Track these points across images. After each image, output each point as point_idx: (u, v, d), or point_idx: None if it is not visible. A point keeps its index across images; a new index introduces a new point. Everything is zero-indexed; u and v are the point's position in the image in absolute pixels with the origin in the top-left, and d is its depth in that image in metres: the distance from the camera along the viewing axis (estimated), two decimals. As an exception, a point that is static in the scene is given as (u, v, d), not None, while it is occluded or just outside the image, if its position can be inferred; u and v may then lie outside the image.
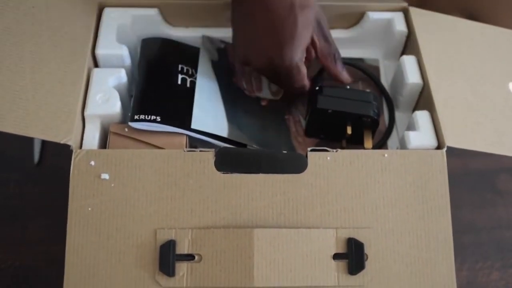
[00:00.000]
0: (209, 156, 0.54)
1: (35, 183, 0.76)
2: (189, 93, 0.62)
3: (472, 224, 0.76)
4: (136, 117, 0.58)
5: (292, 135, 0.65)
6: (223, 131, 0.61)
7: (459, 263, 0.72)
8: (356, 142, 0.62)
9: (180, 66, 0.64)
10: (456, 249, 0.53)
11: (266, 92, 0.67)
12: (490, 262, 0.73)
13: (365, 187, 0.54)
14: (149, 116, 0.58)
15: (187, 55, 0.66)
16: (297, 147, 0.64)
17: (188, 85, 0.63)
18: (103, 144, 0.58)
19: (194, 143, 0.60)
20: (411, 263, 0.52)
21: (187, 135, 0.59)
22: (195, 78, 0.63)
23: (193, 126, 0.59)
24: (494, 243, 0.75)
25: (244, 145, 0.61)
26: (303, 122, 0.66)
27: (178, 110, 0.60)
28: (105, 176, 0.53)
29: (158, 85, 0.62)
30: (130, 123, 0.58)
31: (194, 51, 0.67)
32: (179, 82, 0.63)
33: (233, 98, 0.65)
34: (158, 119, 0.58)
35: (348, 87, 0.65)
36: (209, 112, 0.61)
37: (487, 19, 0.69)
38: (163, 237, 0.51)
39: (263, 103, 0.67)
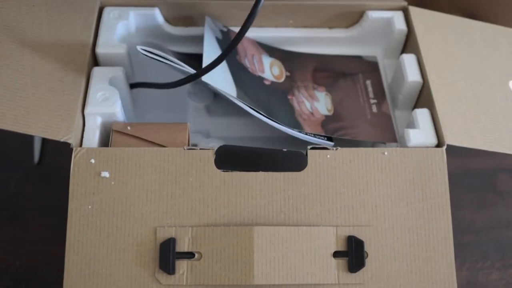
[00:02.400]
0: (209, 154, 0.54)
1: (35, 183, 0.76)
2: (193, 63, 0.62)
3: (472, 224, 0.76)
4: (145, 46, 0.58)
5: (297, 112, 0.65)
6: (232, 93, 0.60)
7: (459, 263, 0.72)
8: None
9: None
10: (456, 249, 0.53)
11: (268, 75, 0.67)
12: (490, 262, 0.73)
13: (365, 185, 0.54)
14: (158, 51, 0.58)
15: (183, 56, 0.67)
16: (302, 123, 0.64)
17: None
18: (103, 142, 0.58)
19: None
20: (411, 261, 0.52)
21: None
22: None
23: (203, 79, 0.58)
24: (494, 243, 0.75)
25: (253, 109, 0.61)
26: (307, 104, 0.66)
27: (187, 59, 0.60)
28: (105, 174, 0.53)
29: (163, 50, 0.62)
30: (138, 47, 0.58)
31: (193, 57, 0.67)
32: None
33: (238, 70, 0.65)
34: (167, 54, 0.58)
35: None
36: (218, 73, 0.61)
37: (487, 19, 0.69)
38: (163, 235, 0.52)
39: (267, 83, 0.66)
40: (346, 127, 0.64)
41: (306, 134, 0.58)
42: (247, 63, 0.66)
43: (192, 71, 0.58)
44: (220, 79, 0.60)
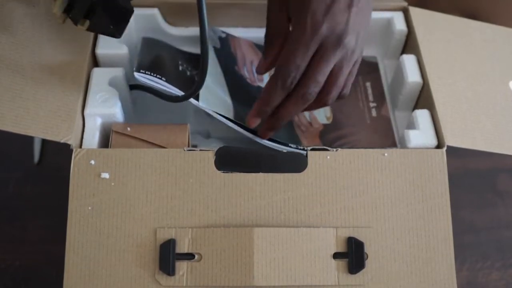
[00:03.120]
0: (209, 155, 0.54)
1: (35, 183, 0.75)
2: (190, 78, 0.62)
3: (472, 224, 0.76)
4: (142, 70, 0.58)
5: (295, 124, 0.65)
6: (229, 113, 0.61)
7: (459, 263, 0.72)
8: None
9: (180, 61, 0.64)
10: (456, 249, 0.53)
11: None
12: (490, 262, 0.73)
13: (365, 186, 0.54)
14: (155, 74, 0.58)
15: (186, 56, 0.67)
16: (301, 135, 0.64)
17: (188, 74, 0.63)
18: (103, 143, 0.58)
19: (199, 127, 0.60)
20: (411, 262, 0.52)
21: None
22: (195, 74, 0.63)
23: (200, 102, 0.59)
24: (494, 243, 0.75)
25: (249, 130, 0.61)
26: (306, 114, 0.66)
27: (183, 80, 0.60)
28: (105, 175, 0.53)
29: (161, 65, 0.62)
30: (135, 73, 0.58)
31: (193, 57, 0.67)
32: (180, 69, 0.63)
33: (236, 84, 0.65)
34: (164, 78, 0.59)
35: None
36: (215, 93, 0.61)
37: (487, 19, 0.69)
38: (163, 236, 0.52)
39: None
40: (345, 135, 0.64)
41: (303, 149, 0.58)
42: (246, 73, 0.67)
43: (180, 93, 0.59)
44: (217, 100, 0.61)
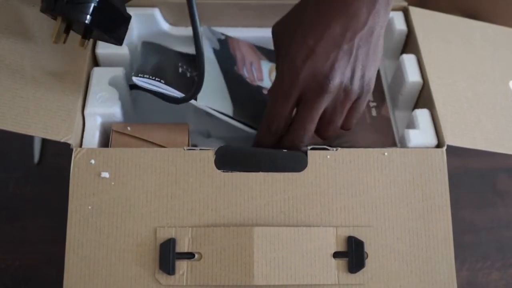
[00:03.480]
0: (209, 154, 0.54)
1: (35, 183, 0.76)
2: (190, 79, 0.62)
3: (472, 224, 0.76)
4: (140, 74, 0.59)
5: None
6: (228, 111, 0.61)
7: (459, 263, 0.72)
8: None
9: (179, 63, 0.65)
10: (456, 249, 0.53)
11: (267, 83, 0.67)
12: (490, 262, 0.73)
13: (365, 186, 0.54)
14: (153, 77, 0.59)
15: (185, 57, 0.67)
16: None
17: (188, 75, 0.63)
18: (103, 142, 0.58)
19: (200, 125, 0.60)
20: (411, 261, 0.52)
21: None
22: (195, 76, 0.64)
23: (199, 101, 0.59)
24: (494, 243, 0.75)
25: (250, 126, 0.61)
26: None
27: (183, 81, 0.61)
28: (105, 174, 0.53)
29: (160, 69, 0.62)
30: (134, 78, 0.58)
31: (193, 57, 0.67)
32: (180, 71, 0.63)
33: (236, 84, 0.65)
34: (163, 81, 0.59)
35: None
36: (214, 92, 0.61)
37: (487, 19, 0.69)
38: (163, 235, 0.52)
39: (265, 92, 0.67)
40: (345, 135, 0.64)
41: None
42: (245, 72, 0.67)
43: (181, 95, 0.59)
44: (216, 98, 0.61)
